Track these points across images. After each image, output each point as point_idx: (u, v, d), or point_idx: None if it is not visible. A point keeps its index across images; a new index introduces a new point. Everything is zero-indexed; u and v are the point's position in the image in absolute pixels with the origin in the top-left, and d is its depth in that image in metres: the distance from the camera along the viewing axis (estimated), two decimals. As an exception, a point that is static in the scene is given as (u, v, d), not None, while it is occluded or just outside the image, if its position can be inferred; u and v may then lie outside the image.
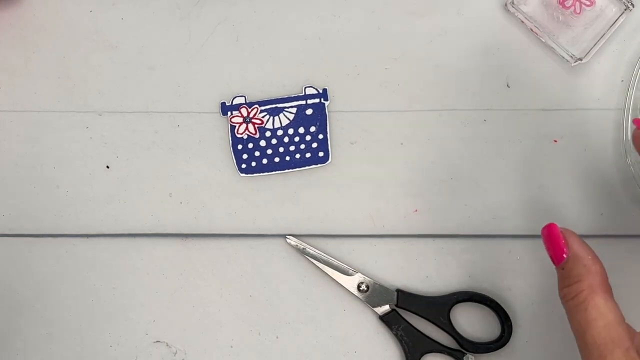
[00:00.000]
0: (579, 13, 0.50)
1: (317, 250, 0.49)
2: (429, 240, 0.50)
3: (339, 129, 0.50)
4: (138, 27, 0.51)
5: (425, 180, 0.50)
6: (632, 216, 0.50)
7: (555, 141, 0.50)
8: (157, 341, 0.49)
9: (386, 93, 0.50)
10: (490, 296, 0.49)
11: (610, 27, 0.50)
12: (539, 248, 0.49)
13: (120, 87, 0.50)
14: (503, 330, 0.48)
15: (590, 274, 0.38)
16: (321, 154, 0.49)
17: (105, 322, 0.49)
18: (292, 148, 0.49)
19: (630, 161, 0.49)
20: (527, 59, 0.51)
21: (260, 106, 0.49)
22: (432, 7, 0.51)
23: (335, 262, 0.49)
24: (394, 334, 0.48)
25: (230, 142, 0.49)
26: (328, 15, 0.51)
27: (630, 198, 0.50)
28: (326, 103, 0.49)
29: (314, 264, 0.49)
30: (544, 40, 0.50)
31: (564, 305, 0.39)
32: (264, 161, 0.49)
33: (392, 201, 0.50)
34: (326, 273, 0.49)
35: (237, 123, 0.49)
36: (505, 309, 0.48)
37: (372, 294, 0.48)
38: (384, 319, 0.48)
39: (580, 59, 0.49)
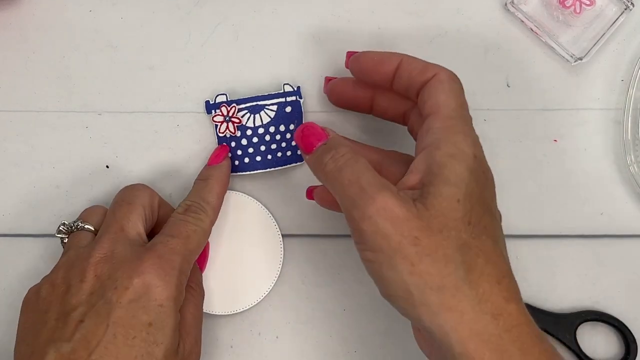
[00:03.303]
0: (579, 13, 0.50)
1: None
2: (429, 240, 0.49)
3: (339, 128, 0.50)
4: (138, 27, 0.51)
5: (425, 180, 0.50)
6: (632, 216, 0.50)
7: (555, 141, 0.50)
8: (157, 341, 0.49)
9: (386, 93, 0.50)
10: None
11: (610, 26, 0.50)
12: (539, 248, 0.49)
13: (120, 87, 0.50)
14: (627, 352, 0.48)
15: (349, 144, 0.40)
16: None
17: (105, 322, 0.49)
18: (273, 146, 0.49)
19: (630, 161, 0.49)
20: (527, 58, 0.51)
21: (238, 104, 0.48)
22: (432, 7, 0.51)
23: None
24: None
25: (216, 141, 0.49)
26: (328, 15, 0.51)
27: (630, 198, 0.50)
28: (301, 101, 0.49)
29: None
30: (544, 40, 0.50)
31: (326, 173, 0.39)
32: (246, 160, 0.48)
33: (392, 201, 0.50)
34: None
35: (219, 122, 0.48)
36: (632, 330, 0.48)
37: None
38: None
39: (581, 59, 0.49)
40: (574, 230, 0.50)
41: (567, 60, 0.50)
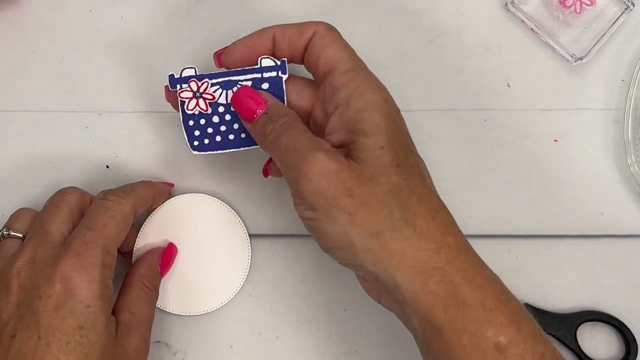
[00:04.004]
0: (580, 13, 0.50)
1: None
2: (429, 240, 0.49)
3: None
4: (138, 27, 0.51)
5: (425, 180, 0.50)
6: (632, 216, 0.50)
7: (555, 141, 0.50)
8: (157, 341, 0.49)
9: (386, 93, 0.50)
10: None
11: (611, 26, 0.50)
12: (539, 248, 0.49)
13: (120, 87, 0.50)
14: (628, 352, 0.48)
15: (292, 112, 0.42)
16: None
17: (105, 322, 0.49)
18: None
19: (631, 161, 0.49)
20: (527, 58, 0.51)
21: (210, 79, 0.45)
22: (432, 7, 0.51)
23: None
24: None
25: (181, 118, 0.45)
26: (328, 15, 0.51)
27: (630, 198, 0.50)
28: (284, 77, 0.44)
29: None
30: (544, 40, 0.50)
31: (268, 143, 0.41)
32: (218, 138, 0.45)
33: (392, 201, 0.50)
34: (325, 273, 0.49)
35: (187, 98, 0.45)
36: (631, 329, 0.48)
37: None
38: None
39: (581, 59, 0.49)
40: (574, 230, 0.50)
41: (567, 60, 0.50)
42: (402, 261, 0.36)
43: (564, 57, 0.50)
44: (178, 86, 0.44)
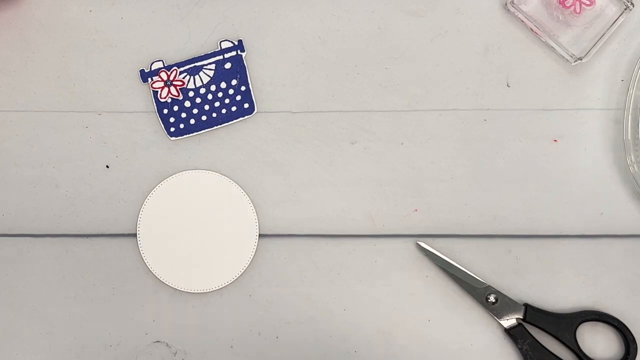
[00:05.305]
0: (579, 13, 0.50)
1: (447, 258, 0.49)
2: (429, 240, 0.50)
3: (339, 128, 0.50)
4: (138, 27, 0.51)
5: (425, 180, 0.50)
6: (632, 216, 0.50)
7: (555, 141, 0.50)
8: (157, 341, 0.49)
9: (386, 93, 0.50)
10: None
11: (611, 26, 0.50)
12: (539, 248, 0.49)
13: (120, 87, 0.50)
14: (627, 352, 0.48)
15: None
16: (246, 105, 0.50)
17: (105, 322, 0.49)
18: (217, 104, 0.49)
19: (630, 161, 0.49)
20: (527, 58, 0.51)
21: (178, 68, 0.49)
22: (432, 7, 0.51)
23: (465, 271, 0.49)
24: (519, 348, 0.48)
25: (155, 108, 0.49)
26: (328, 15, 0.51)
27: (630, 198, 0.50)
28: (243, 54, 0.49)
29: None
30: (544, 40, 0.50)
31: None
32: (192, 121, 0.49)
33: (392, 201, 0.50)
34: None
35: (159, 88, 0.49)
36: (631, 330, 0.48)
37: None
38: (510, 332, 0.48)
39: (581, 59, 0.49)
40: (574, 230, 0.50)
41: (567, 60, 0.50)
42: None
43: (563, 57, 0.50)
44: (149, 79, 0.49)
